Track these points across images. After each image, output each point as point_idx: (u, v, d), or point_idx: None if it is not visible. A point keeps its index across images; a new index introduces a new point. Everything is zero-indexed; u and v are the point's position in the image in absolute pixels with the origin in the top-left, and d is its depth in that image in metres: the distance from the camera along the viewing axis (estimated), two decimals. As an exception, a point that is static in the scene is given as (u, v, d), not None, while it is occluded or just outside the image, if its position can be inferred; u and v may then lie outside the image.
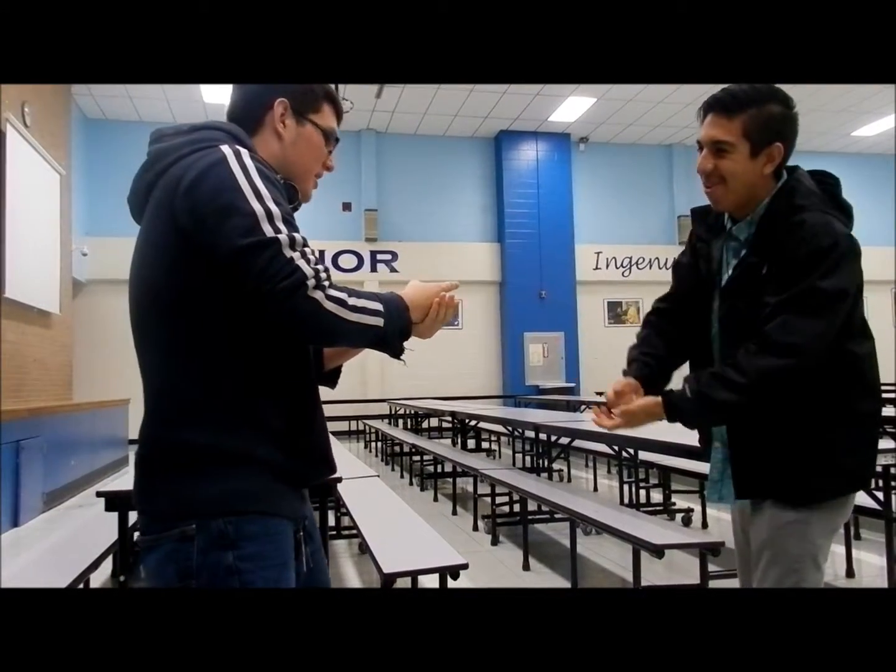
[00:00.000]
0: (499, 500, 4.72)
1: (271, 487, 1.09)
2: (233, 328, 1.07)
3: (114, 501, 2.16)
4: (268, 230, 1.01)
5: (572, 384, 12.07)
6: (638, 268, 12.97)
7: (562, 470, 6.49)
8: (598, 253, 12.82)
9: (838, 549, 3.84)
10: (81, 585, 2.36)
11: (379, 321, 1.05)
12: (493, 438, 8.24)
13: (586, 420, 4.87)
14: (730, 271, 1.52)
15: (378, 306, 1.06)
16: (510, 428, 6.27)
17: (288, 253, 1.01)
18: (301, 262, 1.01)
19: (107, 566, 3.37)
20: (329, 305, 1.01)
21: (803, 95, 10.77)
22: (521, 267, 12.19)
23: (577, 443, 5.20)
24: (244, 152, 1.07)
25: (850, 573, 3.57)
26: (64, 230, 8.64)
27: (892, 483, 3.05)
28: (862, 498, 3.21)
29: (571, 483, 6.39)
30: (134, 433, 7.80)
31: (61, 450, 6.15)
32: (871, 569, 3.70)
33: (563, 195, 12.52)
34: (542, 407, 9.41)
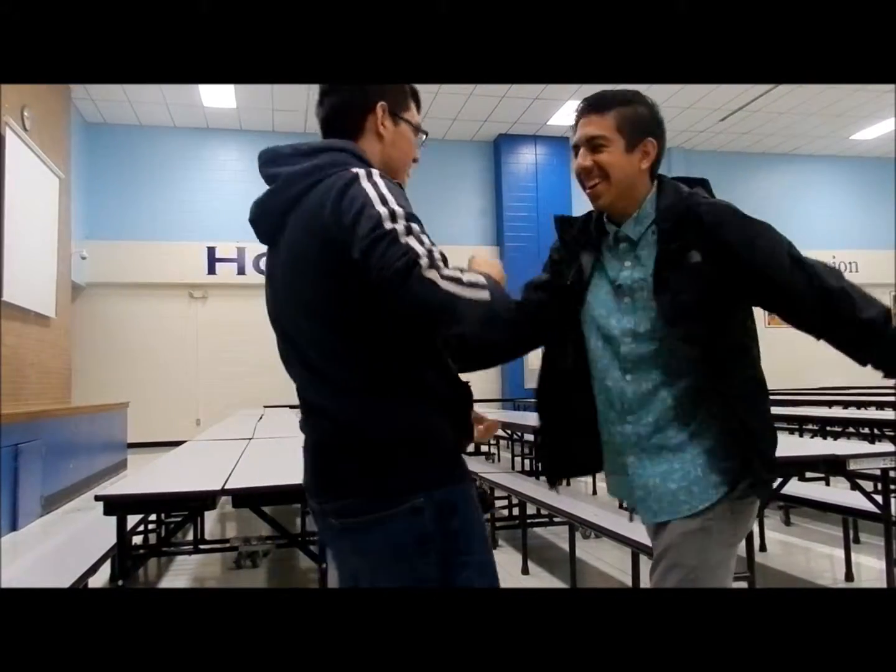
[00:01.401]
0: (498, 503, 4.72)
1: (459, 457, 1.27)
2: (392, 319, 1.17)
3: (112, 505, 2.16)
4: (388, 225, 1.07)
5: (571, 387, 12.05)
6: (637, 271, 12.97)
7: (561, 473, 6.49)
8: (597, 256, 12.83)
9: (837, 553, 3.84)
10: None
11: (486, 295, 1.11)
12: (492, 442, 8.23)
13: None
14: (625, 272, 1.50)
15: (481, 278, 1.13)
16: (509, 431, 6.26)
17: (403, 239, 1.06)
18: (414, 243, 1.06)
19: (105, 570, 3.37)
20: (445, 285, 1.05)
21: (802, 99, 10.79)
22: (520, 270, 12.04)
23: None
24: (374, 171, 1.17)
25: (849, 577, 3.56)
26: (63, 233, 8.64)
27: (891, 486, 3.05)
28: (861, 501, 3.21)
29: (570, 486, 6.38)
30: (133, 437, 7.72)
31: (60, 453, 6.14)
32: (870, 572, 3.70)
33: (562, 198, 12.53)
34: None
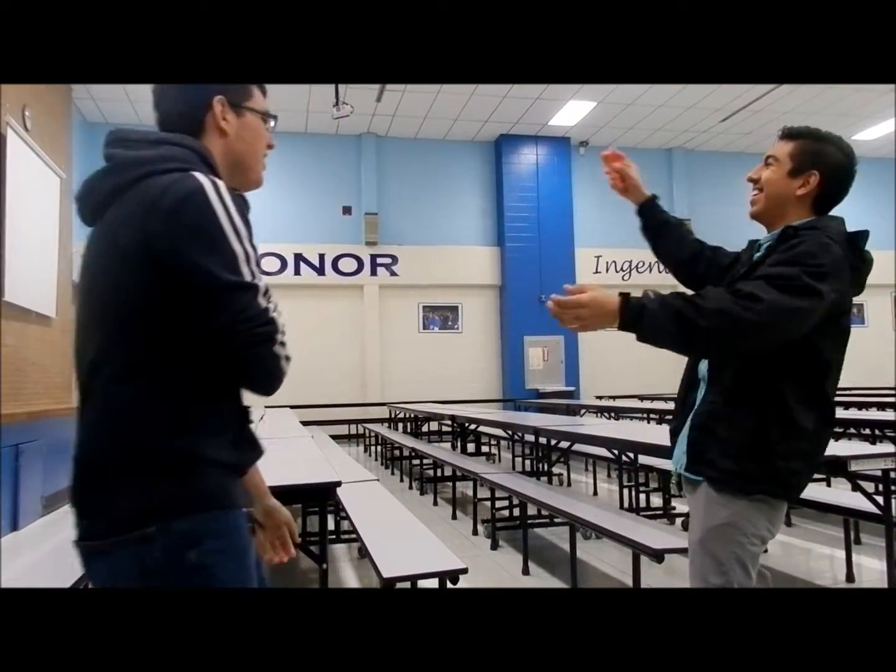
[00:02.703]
0: (498, 504, 4.72)
1: (224, 482, 1.12)
2: (180, 338, 1.09)
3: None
4: (246, 273, 1.07)
5: (572, 388, 12.06)
6: (638, 271, 12.97)
7: (561, 474, 6.49)
8: (598, 257, 12.83)
9: (838, 554, 3.84)
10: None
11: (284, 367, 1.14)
12: (492, 442, 8.24)
13: (586, 424, 4.86)
14: None
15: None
16: (510, 431, 6.26)
17: (262, 302, 1.07)
18: (275, 315, 1.09)
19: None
20: (283, 364, 1.10)
21: (803, 100, 10.79)
22: (521, 271, 12.19)
23: (577, 446, 5.20)
24: (221, 185, 1.09)
25: (850, 577, 3.56)
26: (64, 233, 8.64)
27: (892, 487, 3.05)
28: (862, 502, 3.21)
29: (571, 487, 6.38)
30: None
31: (61, 453, 6.13)
32: (871, 573, 3.70)
33: (564, 199, 12.53)
34: (543, 411, 9.41)
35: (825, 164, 1.60)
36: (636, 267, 12.96)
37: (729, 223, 9.77)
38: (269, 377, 1.10)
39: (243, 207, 1.16)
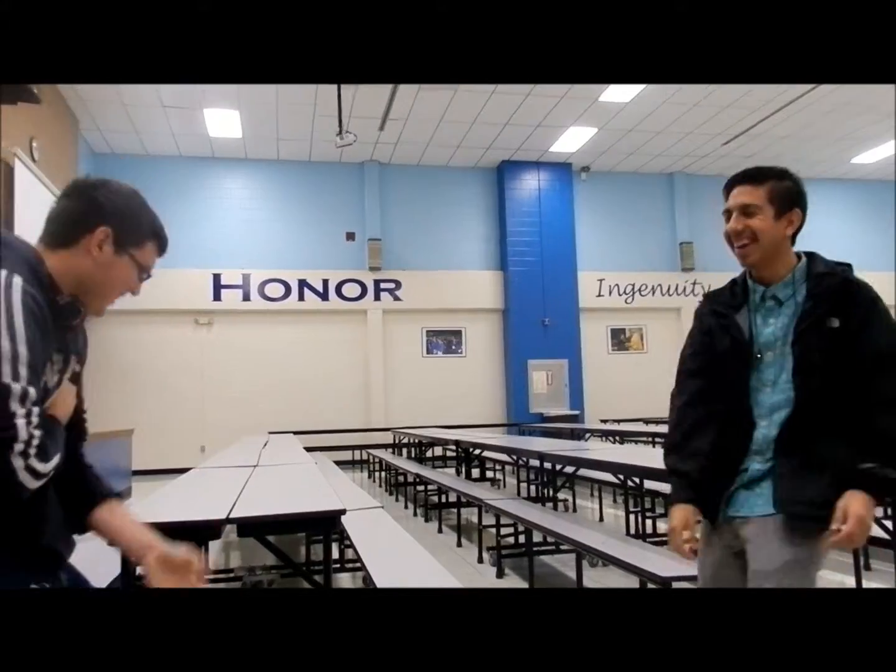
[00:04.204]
0: (504, 531, 4.68)
1: None
2: None
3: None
4: (6, 372, 1.03)
5: (577, 412, 12.02)
6: (641, 294, 12.99)
7: (567, 500, 6.44)
8: (600, 280, 12.86)
9: (848, 580, 3.78)
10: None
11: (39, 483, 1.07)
12: (497, 467, 8.19)
13: (591, 448, 4.84)
14: (769, 328, 1.69)
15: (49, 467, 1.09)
16: (514, 457, 6.23)
17: (13, 406, 1.03)
18: (20, 422, 1.03)
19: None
20: (21, 476, 1.03)
21: (804, 123, 10.88)
22: (524, 294, 12.22)
23: (583, 471, 5.17)
24: (17, 286, 1.08)
25: (861, 604, 3.51)
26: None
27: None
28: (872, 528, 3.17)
29: (577, 513, 6.33)
30: (137, 464, 7.71)
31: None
32: (882, 599, 3.64)
33: (566, 223, 12.59)
34: (547, 435, 9.36)
35: (801, 198, 1.69)
36: (639, 290, 12.98)
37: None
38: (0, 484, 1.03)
39: (66, 312, 1.17)
